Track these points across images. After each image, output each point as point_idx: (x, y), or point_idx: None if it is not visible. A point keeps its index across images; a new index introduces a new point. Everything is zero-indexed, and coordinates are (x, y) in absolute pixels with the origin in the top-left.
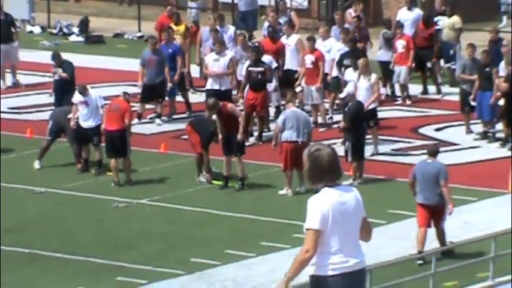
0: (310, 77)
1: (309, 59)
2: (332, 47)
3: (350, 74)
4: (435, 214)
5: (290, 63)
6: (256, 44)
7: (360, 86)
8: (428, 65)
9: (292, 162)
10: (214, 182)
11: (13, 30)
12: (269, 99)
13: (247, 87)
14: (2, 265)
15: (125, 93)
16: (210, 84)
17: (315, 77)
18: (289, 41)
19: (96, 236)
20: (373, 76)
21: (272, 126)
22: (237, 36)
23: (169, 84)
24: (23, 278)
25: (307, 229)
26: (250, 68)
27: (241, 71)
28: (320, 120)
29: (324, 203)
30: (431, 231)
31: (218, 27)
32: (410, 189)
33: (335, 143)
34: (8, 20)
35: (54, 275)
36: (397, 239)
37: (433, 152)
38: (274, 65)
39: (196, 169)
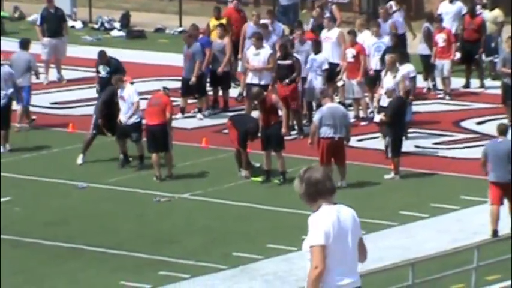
0: (351, 71)
1: (350, 52)
2: (364, 40)
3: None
4: (507, 192)
5: (331, 56)
6: (289, 38)
7: (385, 83)
8: (477, 57)
9: (329, 157)
10: (253, 179)
11: (63, 25)
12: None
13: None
14: (45, 258)
15: (165, 88)
16: (250, 78)
17: (355, 71)
18: (330, 34)
19: (138, 231)
20: (400, 74)
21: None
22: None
23: (192, 78)
24: (65, 271)
25: (311, 246)
26: (279, 62)
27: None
28: (362, 114)
29: (326, 220)
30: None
31: (269, 23)
32: (482, 169)
33: (377, 137)
34: (58, 14)
35: (96, 269)
36: (440, 233)
37: (503, 131)
38: (325, 66)
39: (237, 164)
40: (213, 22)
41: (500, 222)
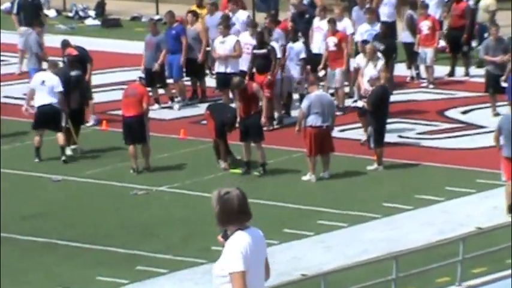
0: (333, 60)
1: (332, 41)
2: (346, 27)
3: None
4: None
5: (322, 47)
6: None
7: (366, 73)
8: (464, 48)
9: (317, 147)
10: (232, 171)
11: (40, 14)
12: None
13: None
14: (19, 253)
15: (140, 78)
16: (217, 67)
17: (338, 59)
18: (322, 24)
19: (114, 225)
20: (380, 63)
21: (294, 112)
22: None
23: (155, 66)
24: (40, 265)
25: (232, 273)
26: (254, 51)
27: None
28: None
29: (242, 245)
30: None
31: (230, 13)
32: (495, 143)
33: (354, 128)
34: (35, 2)
35: (71, 264)
36: (425, 225)
37: None
38: (303, 54)
39: (215, 155)
40: (198, 11)
41: (485, 215)
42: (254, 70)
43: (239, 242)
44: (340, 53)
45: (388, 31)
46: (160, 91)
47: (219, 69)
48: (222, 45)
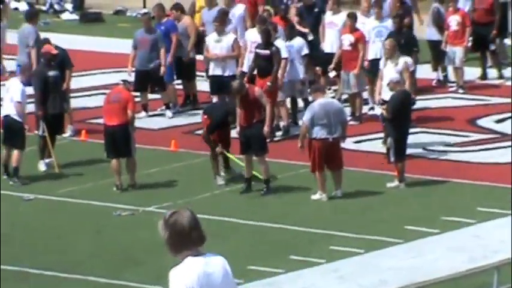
0: (347, 61)
1: (347, 39)
2: (364, 24)
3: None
4: None
5: (335, 45)
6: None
7: (385, 74)
8: (492, 47)
9: (322, 162)
10: (229, 156)
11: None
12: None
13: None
14: None
15: (124, 81)
16: (212, 69)
17: (353, 61)
18: (336, 19)
19: (95, 250)
20: (402, 61)
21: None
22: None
23: (161, 69)
24: None
25: None
26: (257, 50)
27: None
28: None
29: (188, 276)
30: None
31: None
32: None
33: (377, 138)
34: None
35: None
36: (454, 251)
37: None
38: (305, 51)
39: (213, 169)
40: (199, 2)
41: None
42: (255, 72)
43: (184, 273)
44: (356, 53)
45: (403, 25)
46: (152, 96)
47: (215, 72)
48: (217, 44)
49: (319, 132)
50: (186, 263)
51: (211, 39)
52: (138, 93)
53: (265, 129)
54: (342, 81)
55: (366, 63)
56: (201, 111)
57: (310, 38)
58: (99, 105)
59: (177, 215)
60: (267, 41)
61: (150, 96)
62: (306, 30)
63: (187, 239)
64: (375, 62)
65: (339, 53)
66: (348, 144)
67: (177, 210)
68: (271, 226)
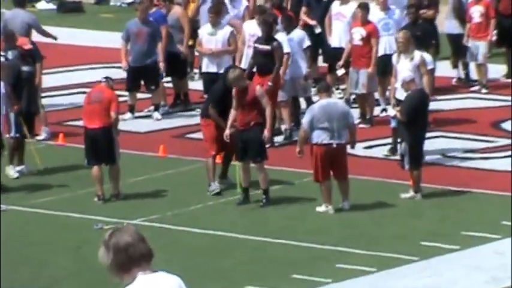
0: (358, 57)
1: (358, 33)
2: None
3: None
4: None
5: (344, 39)
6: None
7: (399, 70)
8: None
9: (327, 170)
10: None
11: None
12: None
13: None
14: None
15: (107, 78)
16: (206, 66)
17: (363, 57)
18: (344, 10)
19: (74, 267)
20: (417, 55)
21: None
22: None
23: (161, 65)
24: None
25: None
26: (256, 45)
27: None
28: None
29: None
30: None
31: None
32: None
33: (389, 144)
34: None
35: None
36: (473, 270)
37: None
38: (307, 43)
39: (208, 172)
40: None
41: None
42: (254, 69)
43: None
44: (368, 49)
45: (420, 15)
46: (141, 95)
47: (208, 69)
48: (212, 38)
49: (320, 137)
50: (137, 282)
51: (204, 31)
52: (124, 92)
53: (265, 133)
54: (350, 80)
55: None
56: (193, 112)
57: (318, 30)
58: (78, 106)
59: (118, 233)
60: (268, 35)
61: (138, 95)
62: (313, 22)
63: (134, 254)
64: (383, 59)
65: (349, 48)
66: (358, 150)
67: (116, 229)
68: (272, 241)
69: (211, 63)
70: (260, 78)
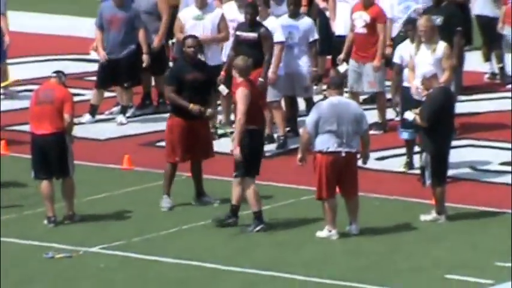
0: (361, 48)
1: (361, 18)
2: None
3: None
4: None
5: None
6: None
7: (418, 63)
8: None
9: (332, 185)
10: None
11: None
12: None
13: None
14: None
15: (58, 73)
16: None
17: (369, 48)
18: None
19: None
20: (442, 45)
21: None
22: None
23: (144, 58)
24: None
25: None
26: (238, 33)
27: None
28: (377, 118)
29: None
30: None
31: None
32: None
33: (399, 155)
34: None
35: None
36: None
37: None
38: (314, 35)
39: (164, 185)
40: None
41: None
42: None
43: None
44: (374, 38)
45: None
46: (109, 94)
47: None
48: (198, 23)
49: (326, 143)
50: None
51: (188, 15)
52: (80, 91)
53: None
54: (351, 74)
55: (389, 50)
56: (165, 115)
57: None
58: (24, 107)
59: None
60: (252, 20)
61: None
62: (325, 4)
63: None
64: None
65: (351, 37)
66: (368, 161)
67: None
68: (263, 274)
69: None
70: None
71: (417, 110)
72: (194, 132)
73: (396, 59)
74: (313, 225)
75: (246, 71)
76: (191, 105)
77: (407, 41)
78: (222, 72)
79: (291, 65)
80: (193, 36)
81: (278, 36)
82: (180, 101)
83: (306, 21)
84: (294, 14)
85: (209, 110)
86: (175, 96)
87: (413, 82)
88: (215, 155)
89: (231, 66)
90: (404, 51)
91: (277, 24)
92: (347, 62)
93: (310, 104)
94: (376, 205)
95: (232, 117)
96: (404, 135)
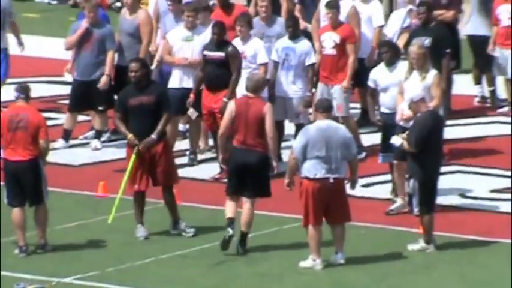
0: (330, 70)
1: (331, 39)
2: (372, 15)
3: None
4: None
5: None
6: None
7: (407, 89)
8: None
9: (319, 212)
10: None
11: None
12: None
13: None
14: None
15: (22, 92)
16: (179, 80)
17: (338, 71)
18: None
19: None
20: (432, 73)
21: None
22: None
23: (103, 79)
24: None
25: None
26: (205, 52)
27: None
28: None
29: None
30: None
31: None
32: None
33: (385, 182)
34: None
35: None
36: None
37: None
38: (311, 59)
39: (135, 214)
40: None
41: None
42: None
43: None
44: (342, 59)
45: (433, 17)
46: (84, 117)
47: (182, 84)
48: (188, 45)
49: (313, 170)
50: None
51: (175, 37)
52: (58, 115)
53: (273, 163)
54: (320, 97)
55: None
56: None
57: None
58: None
59: None
60: (219, 40)
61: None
62: (307, 25)
63: None
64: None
65: (319, 59)
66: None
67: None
68: None
69: (186, 77)
70: (211, 95)
71: (404, 135)
72: (151, 158)
73: (370, 83)
74: (297, 254)
75: (256, 88)
76: (129, 136)
77: (382, 64)
78: (191, 95)
79: (284, 89)
80: (137, 59)
81: (262, 58)
82: (122, 129)
83: (303, 44)
84: (293, 36)
85: (148, 139)
86: (120, 123)
87: (400, 105)
88: (192, 181)
89: (198, 88)
90: (378, 74)
91: (261, 45)
92: (315, 86)
93: (299, 129)
94: (362, 233)
95: (210, 141)
96: (383, 159)
